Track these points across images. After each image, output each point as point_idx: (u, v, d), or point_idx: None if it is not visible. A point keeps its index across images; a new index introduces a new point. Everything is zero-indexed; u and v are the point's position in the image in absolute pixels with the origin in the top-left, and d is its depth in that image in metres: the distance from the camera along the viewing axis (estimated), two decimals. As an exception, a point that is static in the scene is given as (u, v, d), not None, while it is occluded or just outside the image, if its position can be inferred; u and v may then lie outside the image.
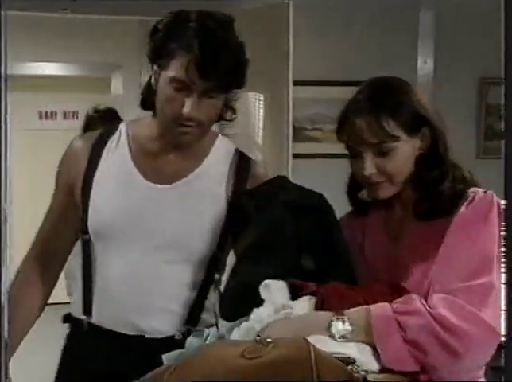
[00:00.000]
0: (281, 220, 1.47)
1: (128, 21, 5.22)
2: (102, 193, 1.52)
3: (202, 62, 1.39)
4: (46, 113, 6.16)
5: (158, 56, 1.46)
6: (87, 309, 1.54)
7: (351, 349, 1.22)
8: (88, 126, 3.02)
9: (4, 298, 1.05)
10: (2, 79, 1.08)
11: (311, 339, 1.20)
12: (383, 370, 1.21)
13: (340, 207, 1.67)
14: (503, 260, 1.22)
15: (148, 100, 1.56)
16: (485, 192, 1.46)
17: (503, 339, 1.35)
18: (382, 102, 1.44)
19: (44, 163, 4.03)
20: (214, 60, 1.39)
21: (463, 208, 1.43)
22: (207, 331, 1.37)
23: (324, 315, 1.31)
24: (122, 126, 1.62)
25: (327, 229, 1.47)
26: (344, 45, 3.47)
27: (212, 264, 1.56)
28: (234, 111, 1.57)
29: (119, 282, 1.50)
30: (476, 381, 1.47)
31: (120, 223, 1.50)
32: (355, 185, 1.59)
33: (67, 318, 1.63)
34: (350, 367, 1.14)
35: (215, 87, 1.42)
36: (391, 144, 1.43)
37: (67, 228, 1.60)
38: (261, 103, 3.68)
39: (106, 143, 1.57)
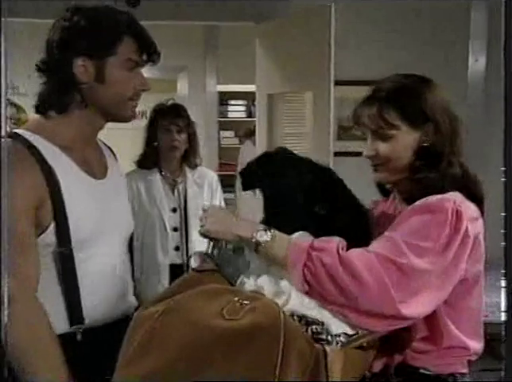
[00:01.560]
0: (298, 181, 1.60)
1: (192, 26, 5.45)
2: (73, 203, 1.55)
3: (146, 42, 1.62)
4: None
5: (101, 46, 1.57)
6: (75, 319, 1.56)
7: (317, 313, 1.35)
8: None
9: (4, 299, 1.12)
10: (3, 82, 1.18)
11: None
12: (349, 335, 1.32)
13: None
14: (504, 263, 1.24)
15: (69, 99, 1.61)
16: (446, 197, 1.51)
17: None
18: (388, 93, 1.57)
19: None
20: (150, 38, 1.63)
21: (421, 201, 1.51)
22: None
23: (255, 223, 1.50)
24: (31, 137, 1.56)
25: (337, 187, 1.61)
26: (389, 45, 3.50)
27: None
28: None
29: (105, 276, 1.63)
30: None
31: (98, 223, 1.60)
32: None
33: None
34: (315, 326, 1.25)
35: (155, 60, 1.66)
36: (389, 131, 1.57)
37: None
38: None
39: (41, 156, 1.54)
